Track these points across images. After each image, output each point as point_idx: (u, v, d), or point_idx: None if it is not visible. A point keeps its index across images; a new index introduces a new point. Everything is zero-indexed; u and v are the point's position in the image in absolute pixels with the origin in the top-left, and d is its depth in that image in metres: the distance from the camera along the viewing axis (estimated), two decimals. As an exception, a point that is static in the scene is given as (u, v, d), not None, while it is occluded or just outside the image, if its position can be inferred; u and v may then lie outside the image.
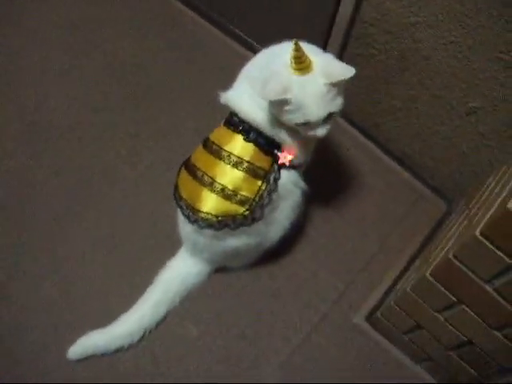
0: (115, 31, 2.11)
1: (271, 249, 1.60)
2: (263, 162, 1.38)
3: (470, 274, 1.12)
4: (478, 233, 1.03)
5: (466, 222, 1.32)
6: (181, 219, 1.49)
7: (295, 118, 1.27)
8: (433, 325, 1.36)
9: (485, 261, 1.06)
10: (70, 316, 1.60)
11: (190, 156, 1.45)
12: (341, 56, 1.72)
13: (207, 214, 1.37)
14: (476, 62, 1.39)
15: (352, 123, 1.93)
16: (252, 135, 1.37)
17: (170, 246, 1.62)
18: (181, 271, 1.60)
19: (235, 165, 1.36)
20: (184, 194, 1.42)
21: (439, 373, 1.55)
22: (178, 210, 1.45)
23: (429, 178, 1.84)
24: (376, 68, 1.66)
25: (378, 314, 1.54)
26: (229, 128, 1.39)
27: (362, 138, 1.93)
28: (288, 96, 1.21)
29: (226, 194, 1.36)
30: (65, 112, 1.93)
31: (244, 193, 1.37)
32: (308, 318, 1.63)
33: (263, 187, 1.38)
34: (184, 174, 1.44)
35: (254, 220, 1.40)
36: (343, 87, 1.26)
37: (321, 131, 1.31)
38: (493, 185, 1.37)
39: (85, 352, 1.52)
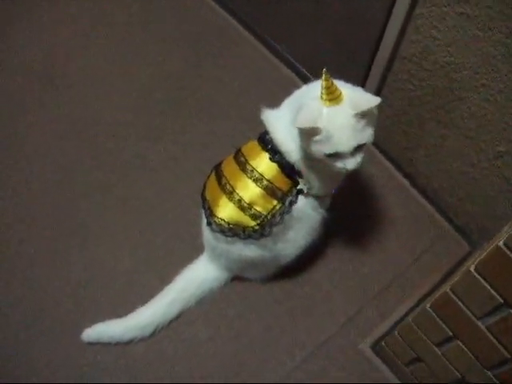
0: (169, 46, 2.24)
1: (288, 265, 1.65)
2: (283, 183, 1.44)
3: (464, 309, 1.14)
4: (472, 269, 1.06)
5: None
6: (203, 222, 1.56)
7: (324, 149, 1.29)
8: (431, 358, 1.37)
9: (478, 297, 1.08)
10: (91, 303, 1.70)
11: (222, 160, 1.53)
12: (380, 88, 1.78)
13: (221, 219, 1.44)
14: (506, 106, 1.42)
15: (385, 154, 1.97)
16: (277, 157, 1.43)
17: (196, 249, 1.69)
18: (199, 274, 1.67)
19: (256, 180, 1.43)
20: (208, 196, 1.49)
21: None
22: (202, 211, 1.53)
23: (453, 216, 1.85)
24: (412, 103, 1.71)
25: (383, 342, 1.57)
26: (259, 144, 1.46)
27: (392, 169, 1.96)
28: (318, 125, 1.25)
29: (241, 205, 1.43)
30: (108, 111, 2.07)
31: (258, 208, 1.43)
32: (315, 338, 1.67)
33: (277, 207, 1.44)
34: (212, 177, 1.52)
35: (262, 235, 1.46)
36: (374, 119, 1.30)
37: (350, 163, 1.32)
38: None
39: (98, 337, 1.61)
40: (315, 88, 1.32)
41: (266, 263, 1.61)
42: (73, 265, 1.75)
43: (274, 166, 1.43)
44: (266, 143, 1.44)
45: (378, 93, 1.78)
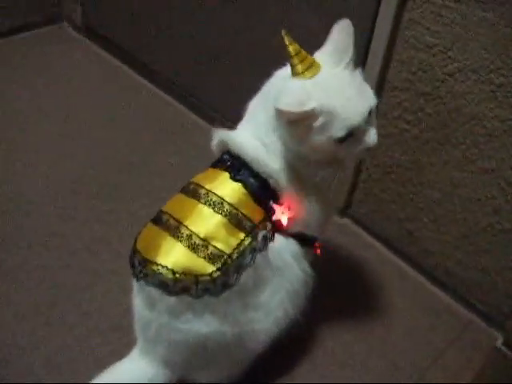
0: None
1: (262, 359, 1.12)
2: (252, 211, 1.02)
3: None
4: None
5: None
6: (134, 293, 1.07)
7: (334, 132, 0.93)
8: None
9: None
10: None
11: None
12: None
13: (162, 266, 0.97)
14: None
15: (375, 234, 1.56)
16: (242, 173, 1.03)
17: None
18: (123, 377, 1.10)
19: (213, 205, 1.00)
20: (140, 246, 1.02)
21: None
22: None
23: (477, 301, 1.38)
24: (407, 150, 1.36)
25: None
26: (215, 167, 1.07)
27: (388, 253, 1.53)
28: (311, 105, 0.91)
29: (193, 242, 0.97)
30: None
31: (218, 244, 0.98)
32: None
33: (246, 242, 0.99)
34: (148, 224, 1.06)
35: (224, 286, 0.98)
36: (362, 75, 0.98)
37: (372, 135, 0.97)
38: None
39: None
40: (279, 77, 1.03)
41: (226, 348, 1.05)
42: None
43: (239, 186, 1.02)
44: (225, 161, 1.06)
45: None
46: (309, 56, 0.95)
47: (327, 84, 0.94)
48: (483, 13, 1.11)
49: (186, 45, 1.87)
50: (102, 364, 1.09)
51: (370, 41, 1.32)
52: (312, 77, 0.93)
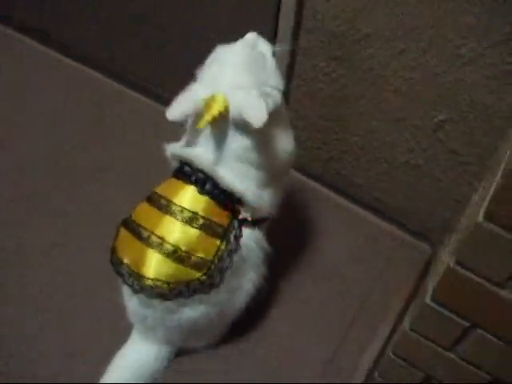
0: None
1: (237, 321, 1.34)
2: (221, 217, 1.16)
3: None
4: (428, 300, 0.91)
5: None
6: (125, 292, 1.23)
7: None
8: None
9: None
10: None
11: (130, 214, 1.21)
12: (287, 101, 1.56)
13: (156, 280, 1.12)
14: (436, 67, 1.26)
15: (309, 175, 1.74)
16: (208, 187, 1.15)
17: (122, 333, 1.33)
18: (132, 360, 1.30)
19: (189, 221, 1.13)
20: (126, 259, 1.16)
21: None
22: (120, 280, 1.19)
23: (406, 221, 1.63)
24: (326, 104, 1.51)
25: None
26: (179, 179, 1.18)
27: (323, 190, 1.73)
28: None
29: (178, 256, 1.12)
30: None
31: (200, 254, 1.13)
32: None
33: (222, 247, 1.15)
34: (124, 233, 1.19)
35: (212, 286, 1.15)
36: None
37: None
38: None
39: None
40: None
41: (212, 324, 1.26)
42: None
43: (206, 198, 1.15)
44: (189, 175, 1.16)
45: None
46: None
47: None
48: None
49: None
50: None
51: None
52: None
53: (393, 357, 1.11)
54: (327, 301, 1.50)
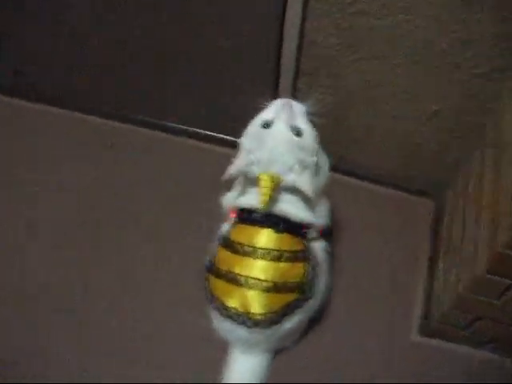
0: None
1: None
2: (298, 244, 1.40)
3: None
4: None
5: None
6: (227, 328, 1.44)
7: None
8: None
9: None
10: None
11: (214, 262, 1.43)
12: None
13: (265, 314, 1.36)
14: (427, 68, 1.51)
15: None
16: (282, 225, 1.37)
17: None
18: (246, 371, 1.50)
19: (277, 258, 1.36)
20: (231, 303, 1.38)
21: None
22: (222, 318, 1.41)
23: (408, 184, 1.90)
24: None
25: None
26: (251, 225, 1.39)
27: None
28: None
29: (276, 288, 1.36)
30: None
31: (292, 280, 1.38)
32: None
33: (307, 267, 1.40)
34: (219, 283, 1.40)
35: (306, 299, 1.42)
36: None
37: None
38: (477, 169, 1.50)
39: None
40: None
41: (302, 326, 1.55)
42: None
43: (282, 235, 1.38)
44: (261, 221, 1.38)
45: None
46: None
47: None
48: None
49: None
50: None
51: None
52: None
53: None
54: (360, 276, 1.76)
